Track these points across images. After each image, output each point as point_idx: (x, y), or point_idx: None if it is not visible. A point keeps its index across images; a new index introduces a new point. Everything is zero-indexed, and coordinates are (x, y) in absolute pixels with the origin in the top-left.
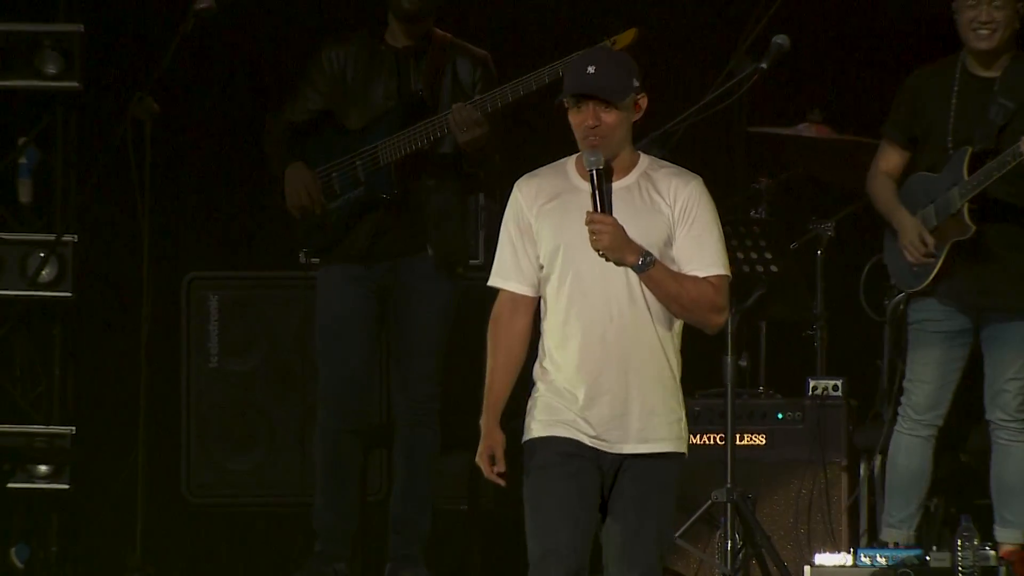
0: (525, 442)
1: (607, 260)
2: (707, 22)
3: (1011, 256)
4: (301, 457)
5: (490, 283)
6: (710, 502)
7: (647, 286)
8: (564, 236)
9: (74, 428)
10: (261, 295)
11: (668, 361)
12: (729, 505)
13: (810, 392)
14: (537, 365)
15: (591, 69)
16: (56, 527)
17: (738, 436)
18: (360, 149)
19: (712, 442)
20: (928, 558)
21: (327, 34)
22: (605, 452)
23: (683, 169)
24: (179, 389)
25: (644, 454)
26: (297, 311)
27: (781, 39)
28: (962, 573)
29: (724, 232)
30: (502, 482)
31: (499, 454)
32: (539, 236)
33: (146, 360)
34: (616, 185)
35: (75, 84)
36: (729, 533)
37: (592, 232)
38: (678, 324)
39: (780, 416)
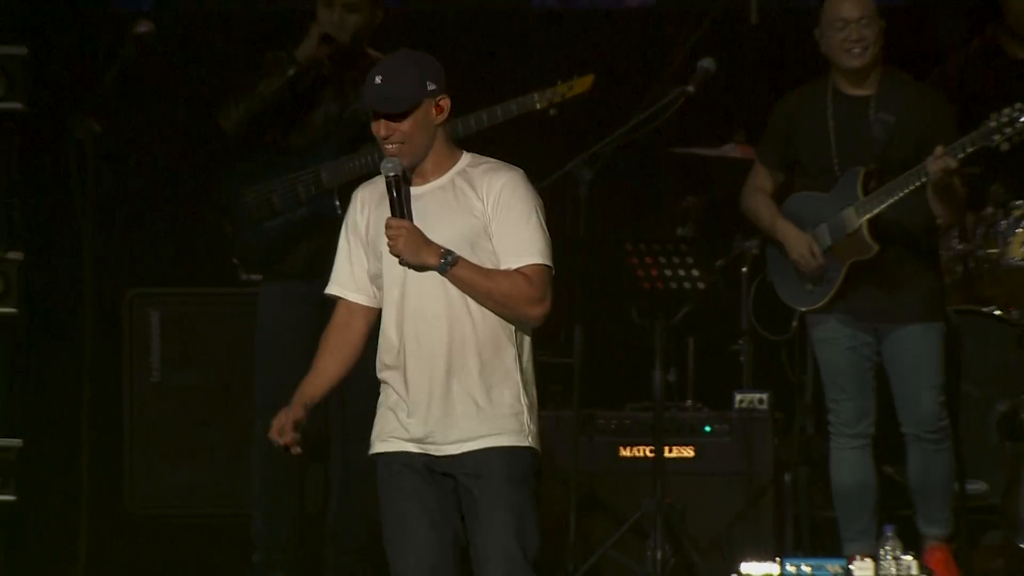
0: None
1: (407, 265)
2: (635, 46)
3: (907, 272)
4: (240, 470)
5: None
6: (640, 512)
7: (456, 286)
8: (382, 245)
9: (20, 440)
10: (201, 311)
11: (499, 357)
12: (658, 515)
13: (737, 405)
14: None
15: (378, 80)
16: (1, 539)
17: (667, 448)
18: (301, 171)
19: (642, 454)
20: (852, 568)
21: (264, 54)
22: (436, 456)
23: (503, 163)
24: (121, 403)
25: (476, 450)
26: (237, 327)
27: (707, 63)
28: None
29: (652, 250)
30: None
31: (287, 426)
32: (370, 244)
33: (89, 374)
34: (429, 187)
35: (18, 105)
36: (659, 543)
37: (388, 238)
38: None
39: (708, 429)
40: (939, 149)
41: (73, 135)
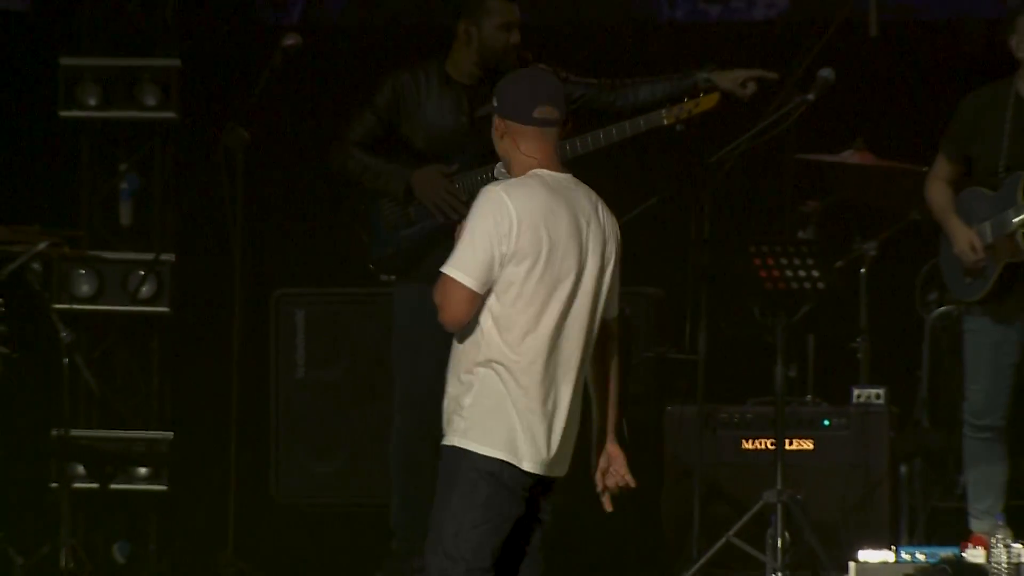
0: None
1: None
2: (760, 56)
3: None
4: (381, 462)
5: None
6: (761, 503)
7: None
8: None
9: (172, 433)
10: (344, 310)
11: (461, 356)
12: (779, 506)
13: (854, 400)
14: None
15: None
16: (155, 526)
17: (787, 441)
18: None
19: (763, 447)
20: (964, 555)
21: (400, 63)
22: None
23: (497, 181)
24: (268, 398)
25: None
26: (378, 325)
27: (827, 72)
28: (995, 569)
29: (774, 251)
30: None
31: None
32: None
33: (237, 371)
34: None
35: (172, 115)
36: (779, 532)
37: None
38: (482, 321)
39: (826, 423)
40: None
41: (223, 143)
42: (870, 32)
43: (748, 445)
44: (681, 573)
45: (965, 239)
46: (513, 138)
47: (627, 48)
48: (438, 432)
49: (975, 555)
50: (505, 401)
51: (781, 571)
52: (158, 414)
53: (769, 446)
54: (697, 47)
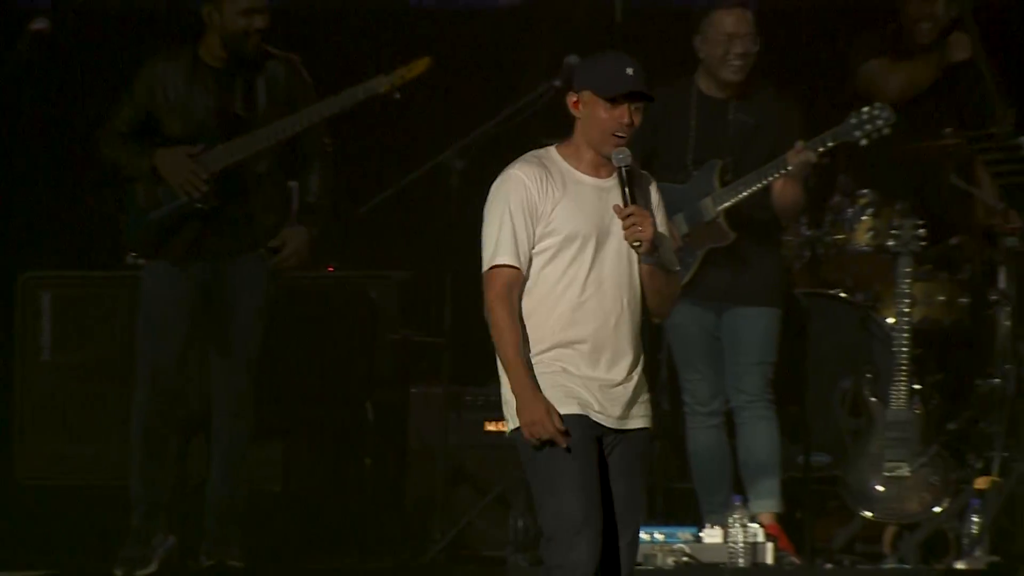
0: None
1: (639, 252)
2: (506, 43)
3: (751, 259)
4: (126, 443)
5: (503, 261)
6: (503, 484)
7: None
8: (583, 226)
9: None
10: (92, 293)
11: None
12: (521, 487)
13: None
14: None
15: (630, 71)
16: None
17: None
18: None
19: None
20: (702, 535)
21: (153, 49)
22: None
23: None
24: (12, 381)
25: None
26: (124, 308)
27: (573, 59)
28: (733, 548)
29: None
30: (565, 442)
31: (556, 417)
32: (548, 221)
33: None
34: (607, 183)
35: None
36: (521, 513)
37: (634, 224)
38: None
39: None
40: (800, 143)
41: None
42: (615, 18)
43: (492, 427)
44: (424, 554)
45: None
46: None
47: (374, 35)
48: (180, 412)
49: (713, 535)
50: None
51: (522, 551)
52: None
53: None
54: (448, 33)
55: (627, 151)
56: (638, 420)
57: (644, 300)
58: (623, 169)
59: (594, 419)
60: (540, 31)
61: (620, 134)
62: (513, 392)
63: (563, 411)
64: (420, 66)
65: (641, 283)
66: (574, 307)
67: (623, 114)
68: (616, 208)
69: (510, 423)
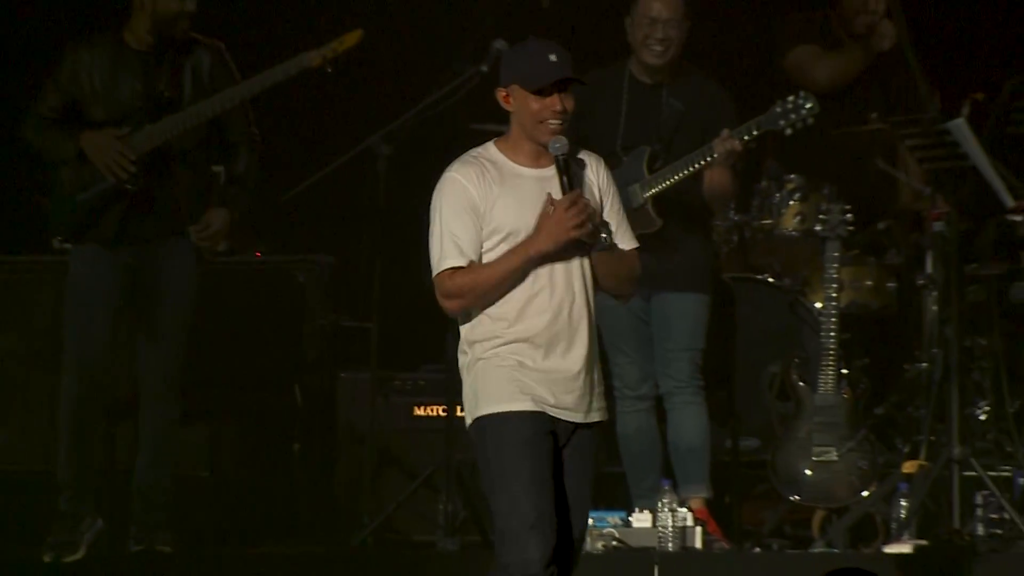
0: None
1: (584, 242)
2: (432, 29)
3: (679, 245)
4: (52, 428)
5: (451, 264)
6: (432, 469)
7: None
8: (525, 219)
9: None
10: (16, 278)
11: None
12: (449, 472)
13: None
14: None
15: (553, 57)
16: None
17: (459, 408)
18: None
19: (435, 413)
20: (631, 519)
21: (76, 32)
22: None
23: None
24: None
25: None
26: (50, 294)
27: (500, 44)
28: (662, 533)
29: None
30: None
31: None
32: (489, 219)
33: None
34: (547, 172)
35: None
36: (449, 497)
37: (578, 213)
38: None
39: None
40: (725, 131)
41: None
42: (542, 3)
43: (420, 411)
44: (352, 539)
45: None
46: None
47: (306, 13)
48: (107, 396)
49: (642, 519)
50: None
51: (451, 536)
52: None
53: (441, 413)
54: (379, 12)
55: (564, 139)
56: (595, 414)
57: (597, 284)
58: (560, 158)
59: (551, 414)
60: (468, 15)
61: (554, 121)
62: (519, 260)
63: (517, 408)
64: (351, 39)
65: (593, 268)
66: (526, 300)
67: (554, 102)
68: (548, 201)
69: (468, 417)
